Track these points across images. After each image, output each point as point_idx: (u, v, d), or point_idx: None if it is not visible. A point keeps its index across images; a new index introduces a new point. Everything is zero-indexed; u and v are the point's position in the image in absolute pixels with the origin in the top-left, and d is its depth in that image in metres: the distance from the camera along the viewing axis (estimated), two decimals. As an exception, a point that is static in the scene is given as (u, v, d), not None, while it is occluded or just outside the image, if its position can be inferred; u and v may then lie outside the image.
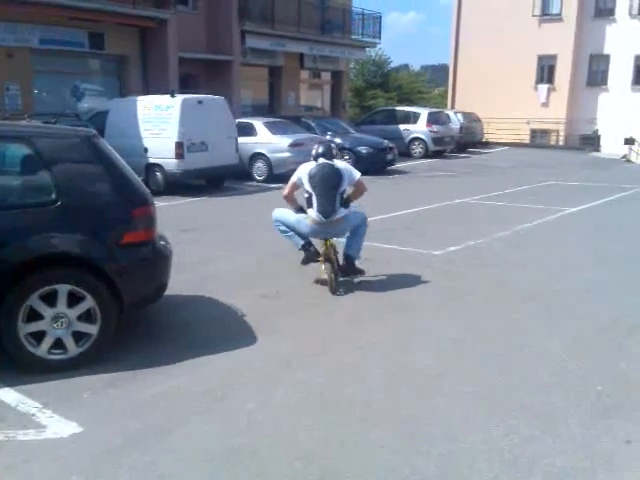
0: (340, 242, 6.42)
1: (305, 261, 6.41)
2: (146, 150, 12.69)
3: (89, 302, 4.18)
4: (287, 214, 6.35)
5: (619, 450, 3.30)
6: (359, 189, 6.24)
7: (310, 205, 6.04)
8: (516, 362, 4.42)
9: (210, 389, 3.98)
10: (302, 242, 6.33)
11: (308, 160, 6.25)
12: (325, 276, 6.11)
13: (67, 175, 4.22)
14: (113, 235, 4.33)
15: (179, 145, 12.38)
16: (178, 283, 5.56)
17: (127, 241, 4.35)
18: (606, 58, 27.49)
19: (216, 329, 5.09)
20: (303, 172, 6.09)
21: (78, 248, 4.18)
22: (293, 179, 6.19)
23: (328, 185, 5.94)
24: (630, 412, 3.70)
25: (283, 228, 6.38)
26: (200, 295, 5.90)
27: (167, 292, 4.92)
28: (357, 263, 6.29)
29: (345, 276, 6.25)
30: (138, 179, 4.69)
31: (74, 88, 16.55)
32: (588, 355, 4.56)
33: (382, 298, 5.95)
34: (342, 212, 6.04)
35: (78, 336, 4.21)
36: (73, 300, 4.15)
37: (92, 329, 4.24)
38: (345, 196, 6.12)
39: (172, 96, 12.69)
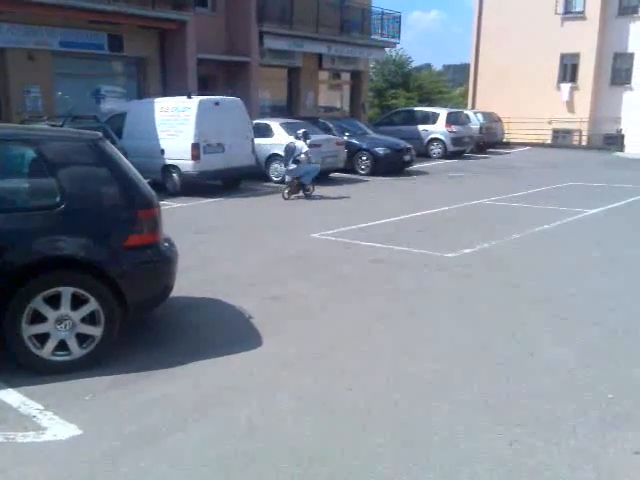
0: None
1: (287, 188, 12.43)
2: (163, 151, 12.75)
3: (93, 304, 4.19)
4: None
5: (627, 461, 3.20)
6: (305, 157, 12.40)
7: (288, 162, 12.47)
8: (523, 369, 4.33)
9: (211, 393, 3.96)
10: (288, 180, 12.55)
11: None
12: (287, 191, 12.22)
13: (72, 178, 4.23)
14: (117, 238, 4.34)
15: (195, 146, 12.41)
16: (187, 284, 5.56)
17: (131, 244, 4.35)
18: (630, 56, 27.03)
19: (222, 331, 5.07)
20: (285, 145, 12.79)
21: (82, 251, 4.19)
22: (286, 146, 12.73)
23: (290, 153, 12.36)
24: (640, 422, 3.59)
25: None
26: (208, 297, 5.89)
27: (176, 293, 4.92)
28: (307, 188, 12.52)
29: (297, 192, 12.34)
30: (144, 181, 4.69)
31: (95, 90, 16.71)
32: (599, 362, 4.44)
33: (389, 301, 5.89)
34: (293, 166, 12.20)
35: (82, 338, 4.23)
36: (77, 302, 4.17)
37: (96, 331, 4.25)
38: (299, 158, 12.28)
39: (189, 97, 12.74)
